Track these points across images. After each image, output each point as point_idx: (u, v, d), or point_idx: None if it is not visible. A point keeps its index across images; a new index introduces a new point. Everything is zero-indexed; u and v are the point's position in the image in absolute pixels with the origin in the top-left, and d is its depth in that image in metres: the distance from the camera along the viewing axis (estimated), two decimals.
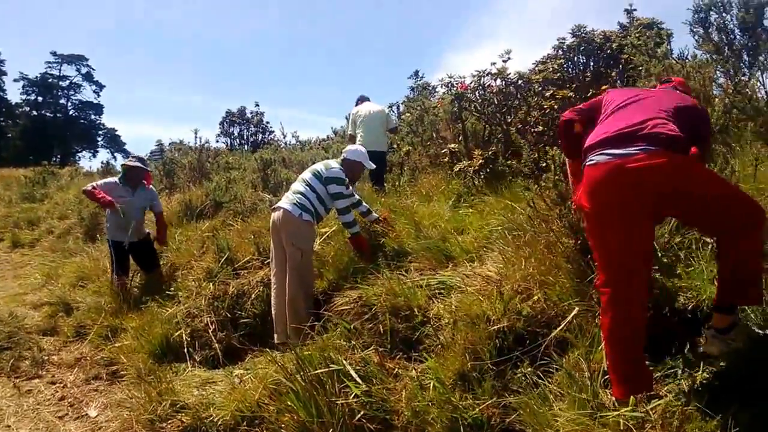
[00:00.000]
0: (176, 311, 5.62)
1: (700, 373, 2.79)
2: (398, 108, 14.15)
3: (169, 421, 4.07)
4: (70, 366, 5.86)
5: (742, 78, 5.59)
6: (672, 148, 2.57)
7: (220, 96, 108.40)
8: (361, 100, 8.89)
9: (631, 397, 2.52)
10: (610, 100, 3.05)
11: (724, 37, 6.02)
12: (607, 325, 2.68)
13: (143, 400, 4.30)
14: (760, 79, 5.50)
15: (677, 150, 2.59)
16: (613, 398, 2.68)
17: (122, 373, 5.32)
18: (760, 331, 2.77)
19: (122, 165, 7.19)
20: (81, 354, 6.01)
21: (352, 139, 8.55)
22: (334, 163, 5.33)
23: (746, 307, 2.86)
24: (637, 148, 2.59)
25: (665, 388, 2.80)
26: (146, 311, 5.98)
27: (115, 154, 55.74)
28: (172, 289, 6.22)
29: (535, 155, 5.36)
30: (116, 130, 60.35)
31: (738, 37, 5.96)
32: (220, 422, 3.83)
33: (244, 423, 3.74)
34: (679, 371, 2.89)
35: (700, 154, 2.88)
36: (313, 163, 5.85)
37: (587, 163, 2.77)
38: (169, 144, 17.60)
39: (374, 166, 5.84)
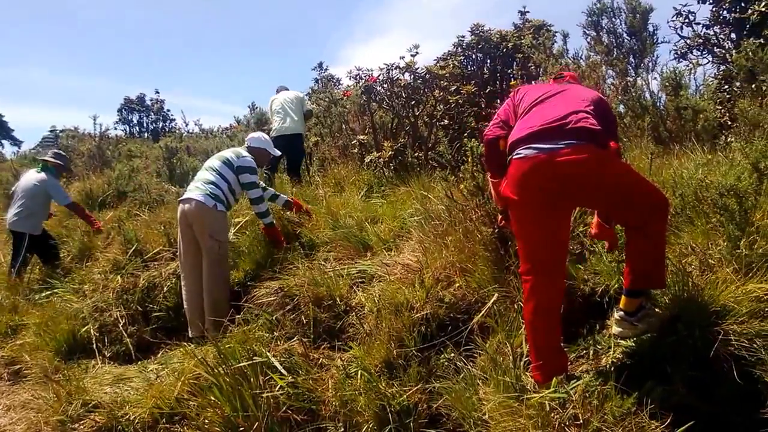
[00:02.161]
0: (82, 305, 5.37)
1: (612, 353, 2.97)
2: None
3: (82, 422, 3.89)
4: None
5: (629, 78, 5.94)
6: (594, 142, 2.68)
7: (118, 81, 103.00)
8: (280, 89, 8.71)
9: (553, 378, 2.64)
10: (525, 95, 3.13)
11: (614, 39, 6.39)
12: (530, 312, 2.78)
13: (51, 401, 4.10)
14: (647, 80, 5.86)
15: (599, 144, 2.70)
16: (534, 381, 2.79)
17: (26, 372, 5.03)
18: (665, 313, 2.95)
19: (46, 162, 7.07)
20: None
21: None
22: (244, 152, 5.20)
23: (651, 291, 3.04)
24: (563, 142, 2.68)
25: (580, 369, 2.96)
26: (49, 306, 5.68)
27: (2, 141, 52.00)
28: (77, 282, 5.92)
29: (444, 147, 5.47)
30: (2, 116, 56.33)
31: (626, 40, 6.33)
32: (137, 421, 3.70)
33: (164, 420, 3.63)
34: (591, 352, 3.06)
35: (618, 148, 3.03)
36: (219, 151, 5.67)
37: (514, 156, 2.84)
38: (62, 130, 16.69)
39: (279, 153, 5.76)
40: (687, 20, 6.31)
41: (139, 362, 4.70)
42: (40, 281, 6.52)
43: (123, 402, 3.89)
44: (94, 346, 4.97)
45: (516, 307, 3.32)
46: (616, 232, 3.10)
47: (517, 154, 2.81)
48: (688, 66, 5.84)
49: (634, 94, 5.49)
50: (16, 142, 45.88)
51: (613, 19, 6.40)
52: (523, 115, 3.01)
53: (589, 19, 6.47)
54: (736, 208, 3.08)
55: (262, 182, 5.58)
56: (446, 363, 3.24)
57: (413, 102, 7.10)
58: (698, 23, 6.33)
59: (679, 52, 6.40)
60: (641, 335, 2.90)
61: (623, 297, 2.88)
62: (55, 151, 7.30)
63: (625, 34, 6.33)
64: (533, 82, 6.66)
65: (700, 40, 6.24)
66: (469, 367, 3.09)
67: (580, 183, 2.70)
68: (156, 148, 12.03)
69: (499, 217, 3.46)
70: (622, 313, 2.86)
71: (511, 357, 2.95)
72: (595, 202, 3.04)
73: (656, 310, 2.96)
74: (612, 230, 3.07)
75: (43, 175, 6.92)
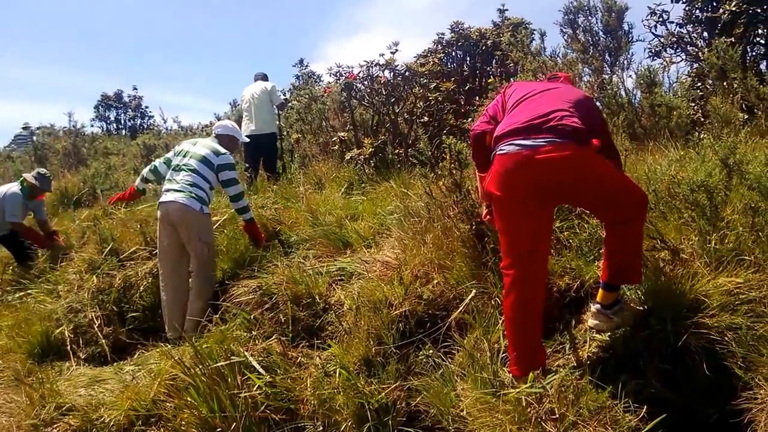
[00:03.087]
0: (56, 306, 5.28)
1: (588, 348, 3.01)
2: (284, 96, 13.95)
3: (55, 425, 3.80)
4: None
5: (605, 76, 6.02)
6: (576, 139, 2.72)
7: (94, 76, 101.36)
8: (257, 77, 8.41)
9: (530, 373, 2.67)
10: (514, 92, 3.17)
11: (590, 37, 6.46)
12: (510, 306, 2.81)
13: (24, 404, 4.01)
14: (622, 77, 5.94)
15: (580, 142, 2.74)
16: (512, 376, 2.82)
17: None
18: (639, 307, 3.00)
19: (25, 181, 7.02)
20: None
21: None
22: (219, 147, 5.07)
23: (625, 286, 3.08)
24: (545, 139, 2.72)
25: (556, 363, 2.99)
26: (22, 307, 5.59)
27: None
28: (51, 282, 5.84)
29: (424, 144, 5.49)
30: None
31: (602, 38, 6.41)
32: (112, 423, 3.62)
33: (140, 422, 3.56)
34: (567, 347, 3.09)
35: (600, 146, 3.06)
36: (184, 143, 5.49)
37: (497, 152, 2.87)
38: (37, 127, 16.46)
39: (248, 139, 5.70)
40: (661, 19, 6.42)
41: (115, 363, 4.63)
42: (13, 282, 6.43)
43: (98, 404, 3.82)
44: (69, 347, 4.89)
45: (493, 303, 3.35)
46: None
47: (500, 150, 2.84)
48: (662, 64, 5.94)
49: (609, 91, 5.55)
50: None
51: (590, 18, 6.46)
52: (509, 111, 3.04)
53: (566, 17, 6.53)
54: (707, 204, 3.13)
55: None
56: (425, 360, 3.26)
57: (393, 99, 7.13)
58: (672, 22, 6.44)
59: (653, 51, 6.51)
60: (616, 329, 2.95)
61: (600, 290, 2.92)
62: (39, 171, 7.25)
63: (601, 33, 6.39)
64: (512, 79, 6.70)
65: (674, 39, 6.35)
66: (447, 363, 3.11)
67: (561, 180, 2.74)
68: (134, 145, 11.97)
69: (484, 211, 3.46)
70: (598, 306, 2.90)
71: (488, 353, 2.97)
72: (576, 200, 3.11)
73: (631, 304, 3.01)
74: None
75: (14, 188, 6.94)
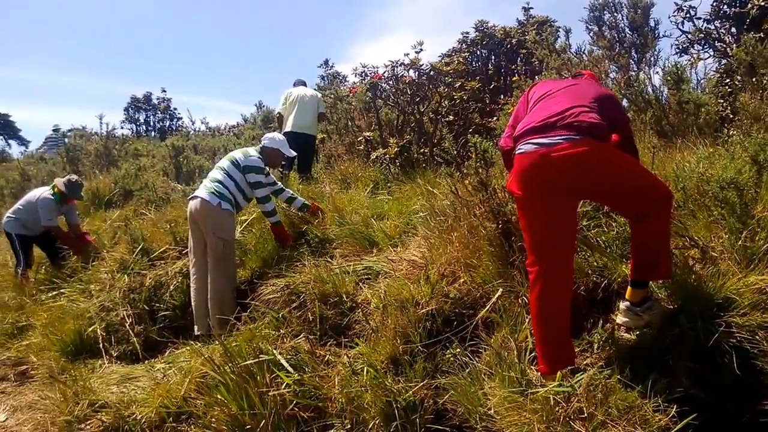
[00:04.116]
0: (89, 305, 5.40)
1: (616, 347, 2.99)
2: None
3: (88, 422, 3.90)
4: None
5: (632, 73, 5.97)
6: (593, 135, 2.71)
7: (123, 80, 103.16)
8: (297, 83, 8.58)
9: (558, 372, 2.66)
10: (536, 91, 3.18)
11: (615, 34, 6.41)
12: (535, 302, 2.82)
13: (58, 401, 4.11)
14: (649, 74, 5.88)
15: (598, 137, 2.73)
16: (540, 374, 2.82)
17: (32, 373, 5.09)
18: (669, 306, 2.98)
19: (56, 188, 7.13)
20: None
21: (280, 118, 8.24)
22: (253, 151, 5.21)
23: (655, 285, 3.06)
24: (561, 137, 2.72)
25: (584, 362, 2.98)
26: (55, 306, 5.71)
27: (9, 141, 52.00)
28: (83, 282, 5.95)
29: (450, 143, 5.49)
30: (9, 116, 56.30)
31: (628, 35, 6.35)
32: (144, 420, 3.71)
33: (171, 419, 3.64)
34: (595, 346, 3.08)
35: (620, 141, 3.05)
36: (227, 150, 5.69)
37: (516, 152, 2.89)
38: (69, 130, 16.78)
39: (294, 154, 5.74)
40: (688, 15, 6.33)
41: (146, 361, 4.72)
42: (47, 281, 6.56)
43: (130, 401, 3.91)
44: (101, 345, 5.00)
45: (520, 301, 3.34)
46: None
47: (519, 149, 2.86)
48: (689, 60, 5.86)
49: (636, 88, 5.50)
50: (24, 142, 46.16)
51: (615, 14, 6.42)
52: (531, 109, 3.06)
53: (591, 14, 6.49)
54: (737, 201, 3.09)
55: (279, 183, 5.61)
56: (452, 358, 3.25)
57: (418, 98, 7.14)
58: (699, 18, 6.34)
59: (680, 47, 6.42)
60: (645, 326, 2.93)
61: (629, 288, 2.91)
62: (70, 177, 7.35)
63: (627, 29, 6.35)
64: (537, 77, 6.67)
65: (701, 35, 6.25)
66: (475, 362, 3.10)
67: (579, 176, 2.75)
68: (163, 146, 12.11)
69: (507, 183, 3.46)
70: (627, 303, 2.89)
71: (515, 351, 2.96)
72: (597, 195, 3.11)
73: (660, 302, 2.99)
74: None
75: (46, 193, 7.05)
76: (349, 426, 3.22)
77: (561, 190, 2.77)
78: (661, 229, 2.78)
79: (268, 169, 5.24)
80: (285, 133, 6.06)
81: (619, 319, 2.96)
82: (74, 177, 7.49)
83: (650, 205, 2.74)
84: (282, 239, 5.23)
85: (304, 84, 8.62)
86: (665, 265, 2.84)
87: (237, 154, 5.18)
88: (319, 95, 8.48)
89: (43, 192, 7.09)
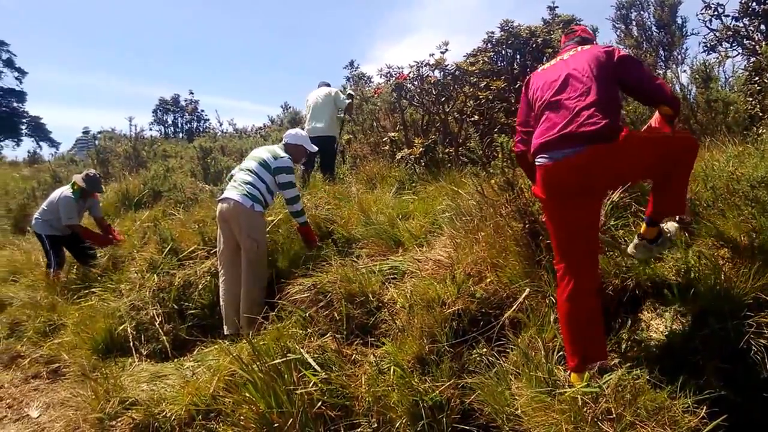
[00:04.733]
0: (120, 304, 5.48)
1: (645, 347, 2.98)
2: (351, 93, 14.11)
3: (119, 419, 3.96)
4: (5, 365, 5.67)
5: (659, 71, 5.91)
6: (603, 139, 2.74)
7: (150, 82, 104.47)
8: (321, 85, 8.60)
9: (586, 372, 2.66)
10: (534, 89, 3.17)
11: (642, 33, 6.36)
12: (562, 300, 2.86)
13: (89, 398, 4.18)
14: (677, 72, 5.83)
15: (608, 139, 2.74)
16: (568, 374, 2.81)
17: (64, 370, 5.18)
18: (678, 243, 3.16)
19: (75, 185, 7.21)
20: (17, 352, 5.80)
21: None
22: (281, 152, 5.23)
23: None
24: (572, 149, 2.79)
25: (612, 362, 2.97)
26: (86, 305, 5.81)
27: (41, 143, 52.95)
28: (114, 281, 6.05)
29: (475, 143, 5.49)
30: (41, 118, 57.17)
31: (655, 33, 6.30)
32: (173, 417, 3.76)
33: (200, 417, 3.68)
34: (624, 346, 3.06)
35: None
36: (253, 149, 5.70)
37: (537, 163, 2.97)
38: (99, 132, 17.05)
39: (316, 149, 5.77)
40: (716, 12, 6.24)
41: (175, 360, 4.79)
42: (78, 281, 6.67)
43: (160, 399, 3.96)
44: (131, 344, 5.08)
45: (548, 301, 3.34)
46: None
47: (537, 161, 2.96)
48: (717, 58, 5.79)
49: None
50: (54, 144, 47.06)
51: (642, 13, 6.39)
52: (541, 115, 3.05)
53: (618, 12, 6.46)
54: None
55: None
56: (478, 358, 3.26)
57: (443, 98, 7.13)
58: (727, 15, 6.25)
59: (708, 45, 6.33)
60: (655, 257, 3.13)
61: (644, 225, 3.10)
62: (88, 172, 7.43)
63: (653, 27, 6.31)
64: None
65: (730, 33, 6.16)
66: (501, 362, 3.10)
67: (599, 179, 2.87)
68: (190, 148, 12.25)
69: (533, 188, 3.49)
70: (643, 239, 3.09)
71: (543, 352, 2.96)
72: (620, 183, 3.34)
73: (672, 238, 3.15)
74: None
75: (66, 192, 7.14)
76: (376, 425, 3.24)
77: (582, 193, 2.86)
78: (683, 173, 2.91)
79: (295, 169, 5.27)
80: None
81: (630, 249, 3.17)
82: (92, 171, 7.57)
83: (675, 160, 2.84)
84: (309, 240, 5.26)
85: (326, 85, 8.60)
86: (681, 202, 2.97)
87: (264, 154, 5.19)
88: (335, 90, 8.39)
89: (63, 191, 7.17)
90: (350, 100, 8.60)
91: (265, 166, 5.07)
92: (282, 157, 5.13)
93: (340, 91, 8.48)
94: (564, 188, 2.87)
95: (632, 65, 2.96)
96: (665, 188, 2.90)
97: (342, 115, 8.50)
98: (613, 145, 2.76)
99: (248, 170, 5.09)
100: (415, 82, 7.30)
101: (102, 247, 7.07)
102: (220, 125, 18.90)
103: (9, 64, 53.99)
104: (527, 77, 3.33)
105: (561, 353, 2.93)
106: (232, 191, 4.94)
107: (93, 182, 7.27)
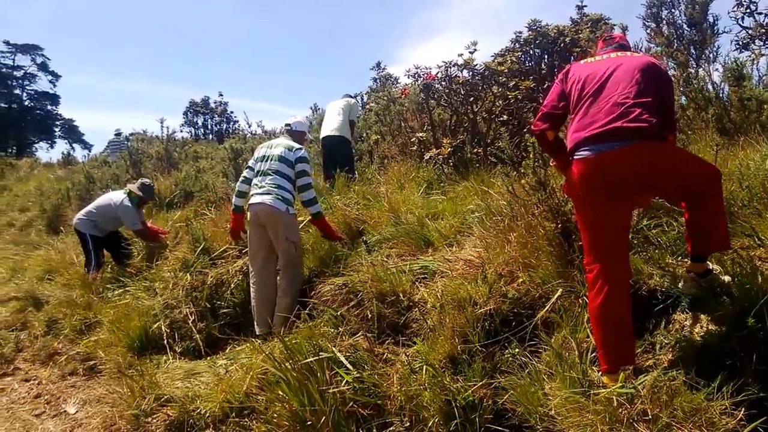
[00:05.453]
0: (154, 303, 5.57)
1: (680, 348, 2.94)
2: (362, 98, 14.25)
3: (155, 416, 4.03)
4: (43, 362, 5.79)
5: (691, 70, 5.83)
6: (651, 137, 2.77)
7: (180, 85, 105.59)
8: (344, 97, 8.84)
9: (621, 373, 2.65)
10: (576, 80, 3.13)
11: (673, 31, 6.27)
12: (594, 301, 2.84)
13: (125, 395, 4.25)
14: (709, 71, 5.74)
15: (655, 137, 2.79)
16: (601, 375, 2.80)
17: (100, 367, 5.27)
18: (727, 278, 3.04)
19: (132, 192, 7.37)
20: (54, 349, 5.93)
21: None
22: (291, 142, 5.31)
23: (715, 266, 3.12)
24: (620, 143, 2.80)
25: (647, 363, 2.94)
26: (121, 304, 5.91)
27: (74, 144, 53.95)
28: (148, 280, 6.15)
29: (505, 143, 5.47)
30: (74, 120, 58.21)
31: (686, 31, 6.21)
32: (208, 414, 3.82)
33: (233, 414, 3.73)
34: (659, 347, 3.04)
35: (674, 137, 3.10)
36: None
37: (575, 157, 2.96)
38: (130, 134, 17.30)
39: (312, 138, 5.86)
40: (748, 10, 6.12)
41: (209, 357, 4.86)
42: (113, 280, 6.78)
43: (194, 396, 4.02)
44: (165, 341, 5.16)
45: (581, 302, 3.31)
46: None
47: (578, 155, 2.93)
48: (750, 57, 5.69)
49: (696, 85, 5.39)
50: (87, 146, 47.99)
51: (673, 10, 6.30)
52: (579, 108, 3.04)
53: (649, 10, 6.38)
54: None
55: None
56: (511, 358, 3.25)
57: (472, 98, 7.12)
58: (760, 13, 6.13)
59: (740, 43, 6.21)
60: (704, 294, 3.03)
61: (689, 261, 3.10)
62: (143, 181, 7.64)
63: (684, 26, 6.21)
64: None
65: (763, 30, 6.05)
66: (534, 362, 3.09)
67: (639, 179, 2.85)
68: (221, 149, 12.38)
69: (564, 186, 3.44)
70: (692, 274, 3.06)
71: (576, 352, 2.95)
72: (656, 192, 3.20)
73: (723, 277, 3.07)
74: None
75: (122, 197, 7.24)
76: (408, 424, 3.25)
77: (621, 190, 2.85)
78: (713, 207, 2.87)
79: None
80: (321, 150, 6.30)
81: (683, 287, 3.12)
82: (146, 180, 7.82)
83: (702, 186, 2.85)
84: (328, 233, 5.26)
85: (349, 96, 8.86)
86: (722, 236, 2.92)
87: (278, 150, 5.21)
88: (352, 101, 8.66)
89: (119, 198, 7.28)
90: (354, 119, 8.81)
91: (286, 162, 5.12)
92: (298, 148, 5.22)
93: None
94: (607, 182, 2.85)
95: (672, 89, 3.09)
96: (703, 223, 2.90)
97: (356, 122, 8.76)
98: (663, 145, 2.84)
99: (272, 171, 5.10)
100: (443, 82, 7.29)
101: (159, 241, 7.27)
102: (249, 127, 19.02)
103: (43, 67, 55.22)
104: (567, 66, 3.31)
105: (594, 354, 2.91)
106: (265, 196, 4.97)
107: (149, 191, 7.53)
